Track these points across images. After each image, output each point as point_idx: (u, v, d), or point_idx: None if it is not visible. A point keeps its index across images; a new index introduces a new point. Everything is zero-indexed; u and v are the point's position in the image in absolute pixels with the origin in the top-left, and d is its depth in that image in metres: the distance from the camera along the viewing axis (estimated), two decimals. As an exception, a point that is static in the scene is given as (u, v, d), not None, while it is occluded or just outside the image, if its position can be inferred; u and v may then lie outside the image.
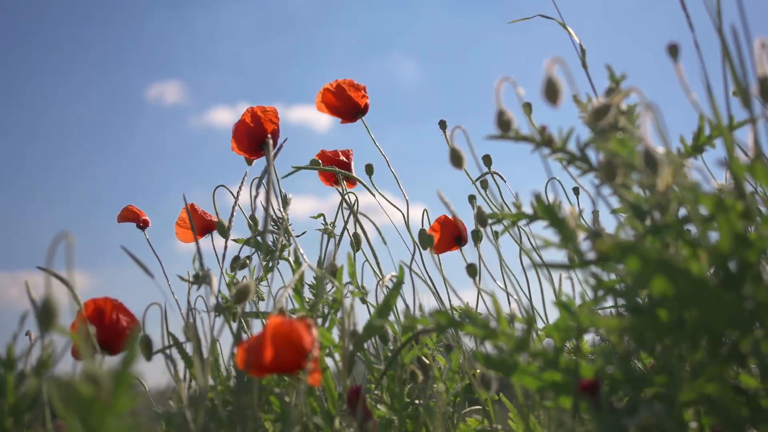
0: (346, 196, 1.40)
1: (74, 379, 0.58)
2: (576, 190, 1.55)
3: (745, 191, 0.71)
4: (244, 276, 1.19)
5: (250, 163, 1.40)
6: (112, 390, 0.59)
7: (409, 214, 1.47)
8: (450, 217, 1.52)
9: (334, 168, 1.38)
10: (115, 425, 0.59)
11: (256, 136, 1.37)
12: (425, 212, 1.48)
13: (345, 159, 1.53)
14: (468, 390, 1.16)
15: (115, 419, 0.59)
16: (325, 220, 1.32)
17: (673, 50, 0.82)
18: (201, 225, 1.54)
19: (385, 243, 1.41)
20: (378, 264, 1.39)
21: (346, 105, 1.52)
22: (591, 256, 0.77)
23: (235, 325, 1.00)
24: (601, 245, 0.69)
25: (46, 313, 0.66)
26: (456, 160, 0.96)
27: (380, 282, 1.10)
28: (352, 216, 1.35)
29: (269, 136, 1.34)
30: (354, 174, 1.51)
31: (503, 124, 0.81)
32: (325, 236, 1.29)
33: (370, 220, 1.39)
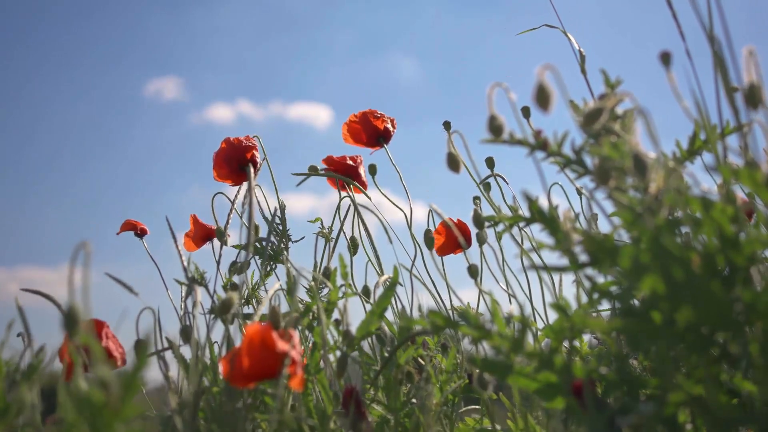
0: (349, 197, 1.41)
1: (86, 385, 0.60)
2: (579, 191, 1.56)
3: (735, 195, 0.72)
4: (243, 282, 1.20)
5: (236, 185, 1.43)
6: (121, 396, 0.60)
7: (413, 216, 1.48)
8: (455, 220, 1.52)
9: (333, 173, 1.39)
10: (122, 430, 0.60)
11: (235, 161, 1.39)
12: (430, 213, 1.49)
13: (352, 163, 1.54)
14: (467, 389, 1.17)
15: (123, 424, 0.61)
16: (322, 224, 1.34)
17: (666, 58, 0.83)
18: (203, 233, 1.60)
19: (390, 241, 1.42)
20: (380, 264, 1.40)
21: (371, 133, 1.54)
22: (584, 258, 0.78)
23: (229, 330, 1.01)
24: (589, 244, 0.70)
25: (70, 319, 0.67)
26: (453, 164, 0.97)
27: (377, 283, 1.11)
28: (354, 215, 1.36)
29: (249, 159, 1.37)
30: (363, 179, 1.52)
31: (495, 129, 0.82)
32: (322, 240, 1.30)
33: (377, 216, 1.40)
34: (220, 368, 1.05)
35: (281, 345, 0.87)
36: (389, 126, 1.54)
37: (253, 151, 1.38)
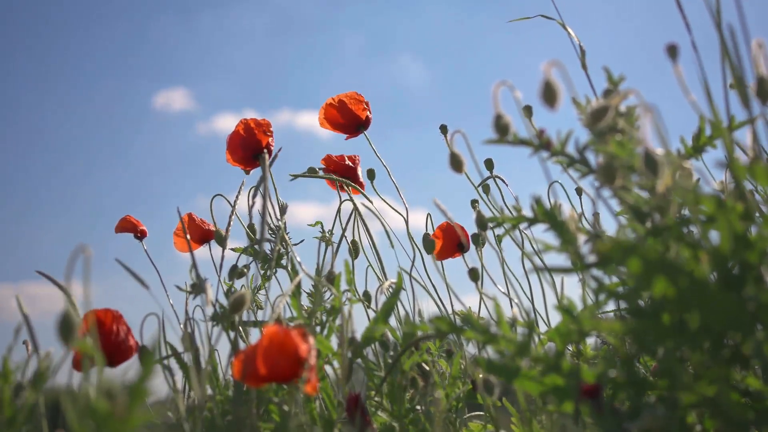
0: (349, 201, 1.40)
1: (90, 392, 0.59)
2: (579, 191, 1.54)
3: (746, 192, 0.71)
4: (243, 285, 1.18)
5: (247, 172, 1.40)
6: (127, 404, 0.59)
7: (410, 219, 1.46)
8: (452, 223, 1.51)
9: (332, 176, 1.38)
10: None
11: (250, 147, 1.35)
12: (429, 217, 1.47)
13: (351, 164, 1.51)
14: (470, 395, 1.16)
15: (130, 433, 0.59)
16: (323, 227, 1.32)
17: (672, 51, 0.81)
18: (199, 234, 1.52)
19: (392, 246, 1.41)
20: (382, 268, 1.39)
21: (349, 120, 1.50)
22: (591, 259, 0.76)
23: (232, 335, 0.99)
24: (600, 247, 0.68)
25: (65, 327, 0.66)
26: (456, 164, 0.96)
27: (379, 288, 1.10)
28: (355, 219, 1.35)
29: (264, 147, 1.34)
30: (360, 179, 1.50)
31: (501, 128, 0.81)
32: (323, 244, 1.28)
33: (381, 220, 1.39)
34: (221, 375, 1.03)
35: (303, 349, 0.85)
36: (369, 113, 1.51)
37: (269, 139, 1.35)
